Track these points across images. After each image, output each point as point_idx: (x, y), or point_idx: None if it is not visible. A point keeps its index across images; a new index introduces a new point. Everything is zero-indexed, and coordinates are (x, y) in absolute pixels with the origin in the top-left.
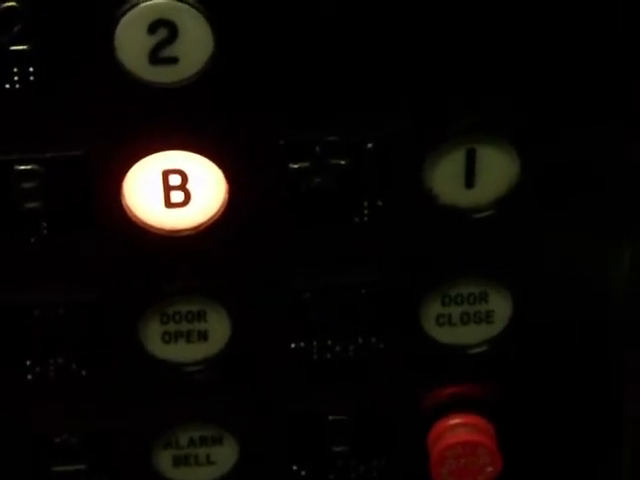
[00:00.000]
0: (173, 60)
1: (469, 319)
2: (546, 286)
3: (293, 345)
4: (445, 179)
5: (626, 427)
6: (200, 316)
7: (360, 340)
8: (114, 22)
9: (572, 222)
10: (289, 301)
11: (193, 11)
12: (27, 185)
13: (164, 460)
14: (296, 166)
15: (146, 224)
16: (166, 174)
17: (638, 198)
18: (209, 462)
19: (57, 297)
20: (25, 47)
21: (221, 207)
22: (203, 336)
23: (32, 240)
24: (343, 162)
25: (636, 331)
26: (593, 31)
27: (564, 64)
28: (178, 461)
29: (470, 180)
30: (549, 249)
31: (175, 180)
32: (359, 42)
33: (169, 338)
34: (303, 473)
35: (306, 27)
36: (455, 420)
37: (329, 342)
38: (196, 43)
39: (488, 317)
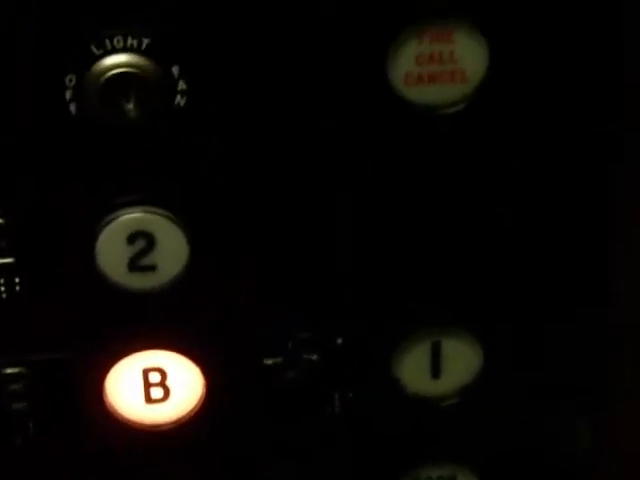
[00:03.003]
0: (151, 268)
1: None
2: (513, 467)
3: None
4: (412, 370)
5: None
6: None
7: None
8: (95, 234)
9: (535, 406)
10: None
11: (169, 223)
12: (14, 387)
13: None
14: (270, 362)
15: (128, 420)
16: (146, 372)
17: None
18: None
19: None
20: (11, 260)
21: (199, 401)
22: None
23: (18, 441)
24: (314, 357)
25: None
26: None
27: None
28: None
29: (436, 371)
30: (514, 432)
31: (155, 377)
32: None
33: None
34: None
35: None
36: None
37: None
38: (173, 252)
39: None
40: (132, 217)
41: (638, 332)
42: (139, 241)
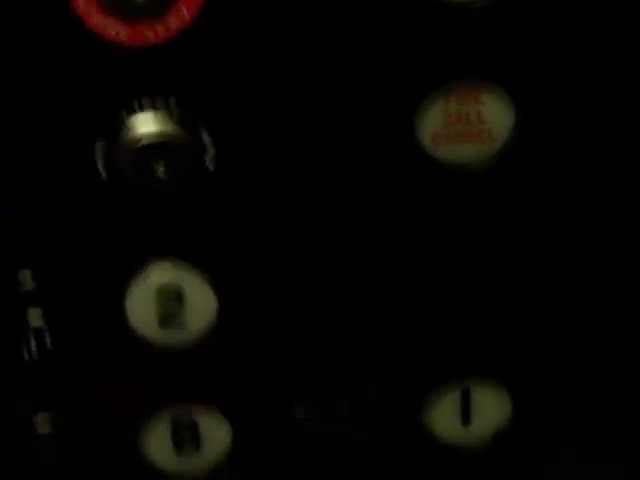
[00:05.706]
0: (180, 323)
1: None
2: None
3: None
4: (443, 417)
5: None
6: None
7: None
8: (125, 292)
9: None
10: None
11: (198, 280)
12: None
13: None
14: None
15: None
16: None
17: None
18: None
19: None
20: (42, 324)
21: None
22: None
23: None
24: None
25: None
26: None
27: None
28: None
29: (466, 417)
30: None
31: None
32: None
33: None
34: None
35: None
36: None
37: None
38: (201, 307)
39: None
40: (162, 274)
41: None
42: (168, 297)
